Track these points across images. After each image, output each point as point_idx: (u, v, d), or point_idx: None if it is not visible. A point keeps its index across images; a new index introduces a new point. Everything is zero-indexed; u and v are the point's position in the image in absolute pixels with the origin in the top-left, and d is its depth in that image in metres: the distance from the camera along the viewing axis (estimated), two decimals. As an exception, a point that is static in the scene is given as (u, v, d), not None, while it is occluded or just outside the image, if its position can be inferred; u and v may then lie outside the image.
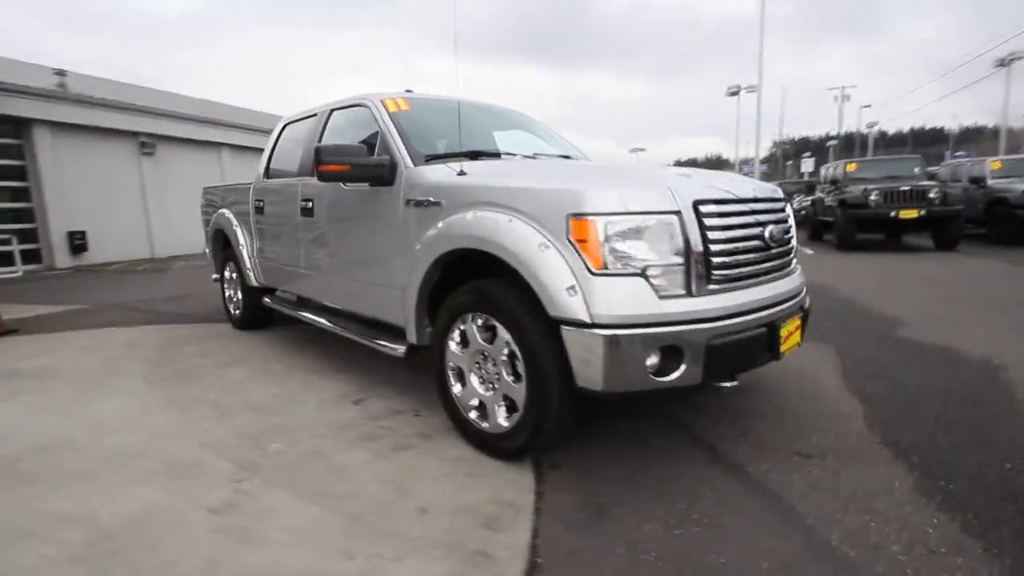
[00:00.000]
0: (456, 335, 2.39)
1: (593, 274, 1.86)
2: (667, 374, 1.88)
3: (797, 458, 2.22)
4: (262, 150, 4.21)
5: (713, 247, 1.97)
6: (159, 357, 4.04)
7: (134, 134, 13.63)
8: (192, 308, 6.12)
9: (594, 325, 1.84)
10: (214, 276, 5.40)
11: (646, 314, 1.84)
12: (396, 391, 3.15)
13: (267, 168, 4.07)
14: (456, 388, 2.44)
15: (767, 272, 2.21)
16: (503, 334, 2.13)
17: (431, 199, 2.43)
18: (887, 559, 1.60)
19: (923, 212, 8.63)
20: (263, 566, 1.66)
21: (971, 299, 5.14)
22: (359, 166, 2.68)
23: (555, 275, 1.90)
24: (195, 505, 2.01)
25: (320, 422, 2.76)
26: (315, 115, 3.63)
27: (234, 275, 4.83)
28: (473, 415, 2.37)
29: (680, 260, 1.90)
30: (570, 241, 1.91)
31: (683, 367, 1.88)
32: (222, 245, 5.06)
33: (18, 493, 2.12)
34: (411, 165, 2.63)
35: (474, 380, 2.34)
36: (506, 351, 2.14)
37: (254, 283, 4.39)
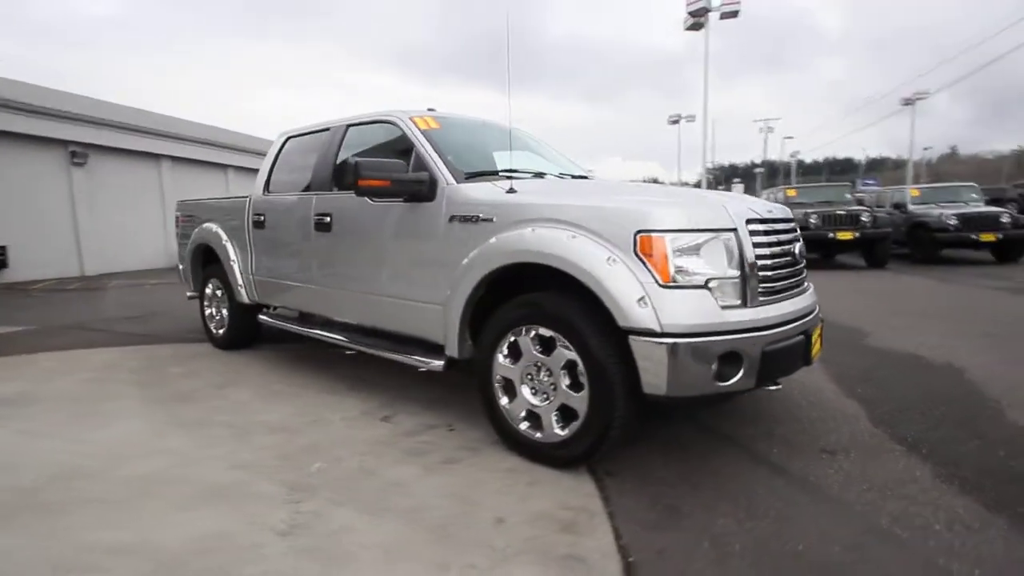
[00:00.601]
0: (504, 348, 2.45)
1: (662, 286, 1.99)
2: (727, 379, 2.02)
3: (825, 455, 2.43)
4: (207, 163, 4.11)
5: (759, 262, 2.16)
6: (144, 379, 3.79)
7: (64, 143, 12.65)
8: (156, 328, 5.74)
9: (664, 334, 1.96)
10: (189, 293, 5.13)
11: (711, 323, 1.99)
12: (421, 407, 3.13)
13: (267, 182, 3.96)
14: (503, 401, 2.48)
15: (796, 285, 2.43)
16: (563, 345, 2.21)
17: (480, 216, 2.49)
18: (936, 536, 1.80)
19: (857, 234, 9.52)
20: (360, 583, 1.63)
21: (916, 311, 5.74)
22: (399, 182, 2.70)
23: (625, 288, 2.01)
24: (259, 528, 1.93)
25: (353, 439, 2.71)
26: (327, 130, 3.60)
27: (218, 292, 4.61)
28: (523, 427, 2.41)
29: (736, 273, 2.07)
30: (638, 256, 2.03)
31: (741, 372, 2.03)
32: (202, 261, 4.83)
33: (52, 525, 1.95)
34: (453, 182, 2.68)
35: (525, 392, 2.39)
36: (564, 361, 2.22)
37: (245, 300, 4.22)
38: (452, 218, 2.61)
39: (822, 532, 1.84)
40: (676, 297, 1.99)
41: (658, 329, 1.96)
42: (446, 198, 2.66)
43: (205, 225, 4.59)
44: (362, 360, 4.11)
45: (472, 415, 2.97)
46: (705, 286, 2.02)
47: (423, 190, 2.73)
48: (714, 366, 1.99)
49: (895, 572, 1.64)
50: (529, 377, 2.39)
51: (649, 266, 2.01)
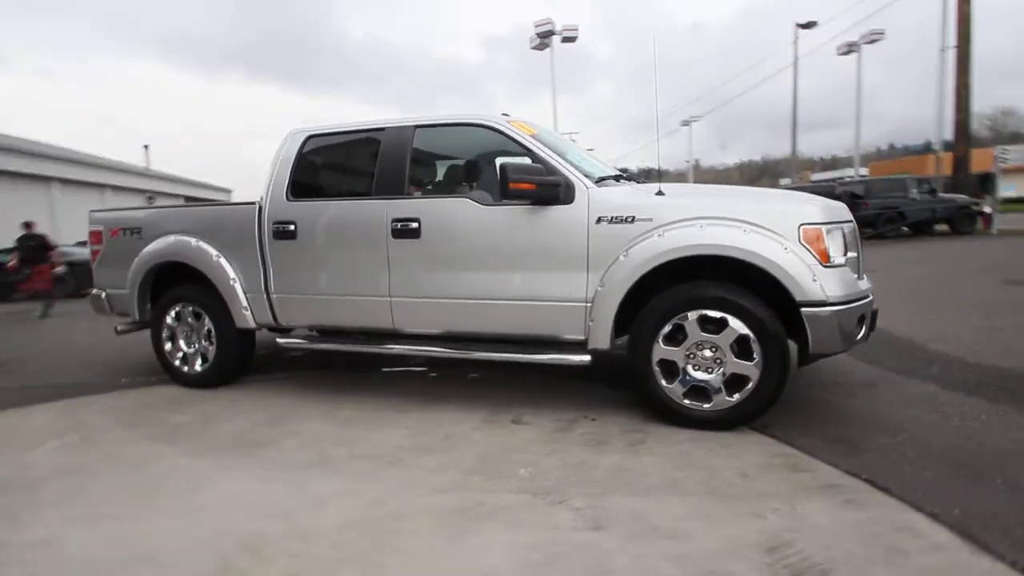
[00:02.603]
0: (663, 334, 2.73)
1: (824, 267, 2.53)
2: (857, 335, 2.65)
3: (871, 387, 3.26)
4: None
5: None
6: (158, 434, 3.04)
7: None
8: (47, 376, 4.42)
9: (830, 304, 2.50)
10: (121, 327, 4.12)
11: (853, 293, 2.60)
12: (534, 407, 3.18)
13: (292, 186, 3.47)
14: (663, 382, 2.76)
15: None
16: (734, 323, 2.60)
17: (636, 216, 2.73)
18: (995, 424, 2.66)
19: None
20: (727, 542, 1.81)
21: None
22: (543, 185, 2.78)
23: (800, 270, 2.50)
24: (569, 531, 1.92)
25: (512, 444, 2.70)
26: (380, 129, 3.35)
27: (191, 319, 3.82)
28: (687, 402, 2.74)
29: (855, 254, 2.72)
30: (803, 244, 2.54)
31: (864, 329, 2.69)
32: (152, 284, 3.94)
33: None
34: (592, 186, 2.85)
35: (690, 370, 2.72)
36: (736, 336, 2.61)
37: (251, 324, 3.62)
38: (600, 219, 2.79)
39: (944, 427, 2.57)
40: (833, 274, 2.55)
41: (826, 300, 2.50)
42: (589, 200, 2.82)
43: (173, 239, 3.76)
44: (387, 375, 3.93)
45: (593, 403, 3.18)
46: (845, 264, 2.62)
47: (559, 194, 2.84)
48: (855, 325, 2.61)
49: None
50: (690, 356, 2.72)
51: (812, 251, 2.54)
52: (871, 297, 2.78)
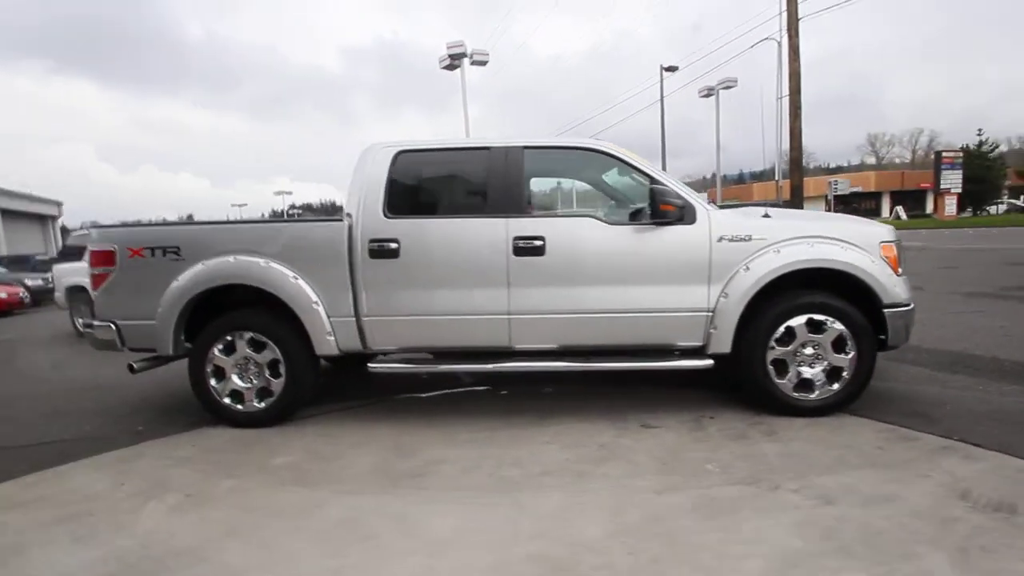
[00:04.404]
0: (774, 337, 3.17)
1: (898, 276, 3.17)
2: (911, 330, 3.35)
3: (881, 372, 4.04)
4: None
5: (890, 258, 3.57)
6: (284, 479, 2.72)
7: None
8: (27, 433, 3.53)
9: (903, 305, 3.15)
10: (138, 363, 3.51)
11: (911, 296, 3.28)
12: (647, 412, 3.40)
13: (388, 203, 3.31)
14: (776, 379, 3.19)
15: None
16: (834, 324, 3.13)
17: (752, 235, 3.14)
18: (994, 392, 3.51)
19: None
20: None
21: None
22: (679, 208, 3.07)
23: (886, 278, 3.11)
24: (818, 512, 2.20)
25: (669, 446, 2.91)
26: (485, 148, 3.37)
27: (249, 349, 3.39)
28: (796, 394, 3.20)
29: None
30: (883, 258, 3.16)
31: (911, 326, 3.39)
32: (191, 312, 3.43)
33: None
34: (710, 208, 3.21)
35: (797, 366, 3.18)
36: (836, 335, 3.13)
37: (335, 350, 3.35)
38: (721, 238, 3.15)
39: (978, 400, 3.32)
40: (903, 281, 3.20)
41: (901, 302, 3.14)
42: (711, 222, 3.17)
43: (232, 260, 3.31)
44: (455, 397, 3.90)
45: (697, 403, 3.51)
46: (904, 273, 3.30)
47: (684, 215, 3.15)
48: (912, 322, 3.29)
49: None
50: (796, 355, 3.19)
51: (889, 264, 3.16)
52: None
